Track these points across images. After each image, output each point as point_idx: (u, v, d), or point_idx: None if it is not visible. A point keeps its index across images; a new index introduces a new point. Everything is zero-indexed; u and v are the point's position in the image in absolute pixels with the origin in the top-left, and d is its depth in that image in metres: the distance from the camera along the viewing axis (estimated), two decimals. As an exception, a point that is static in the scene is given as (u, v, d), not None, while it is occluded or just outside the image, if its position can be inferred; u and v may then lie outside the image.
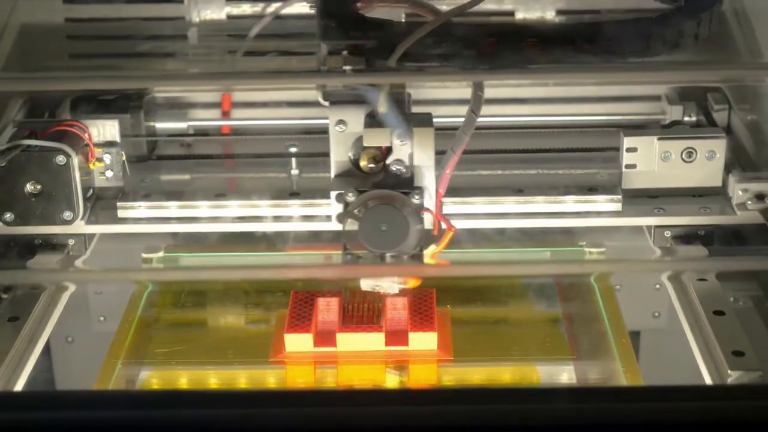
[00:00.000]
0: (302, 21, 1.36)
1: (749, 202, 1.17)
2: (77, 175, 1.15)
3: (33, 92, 1.32)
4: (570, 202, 1.18)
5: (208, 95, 1.39)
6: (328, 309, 1.11)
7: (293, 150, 1.26)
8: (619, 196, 1.18)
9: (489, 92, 1.35)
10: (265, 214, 1.18)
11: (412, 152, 1.08)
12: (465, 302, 1.19)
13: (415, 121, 1.09)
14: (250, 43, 1.31)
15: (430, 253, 1.10)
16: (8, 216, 1.15)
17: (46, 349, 1.19)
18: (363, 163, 1.09)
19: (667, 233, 1.18)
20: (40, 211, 1.15)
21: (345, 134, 1.09)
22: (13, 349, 1.05)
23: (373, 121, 1.08)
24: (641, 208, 1.18)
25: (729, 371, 0.99)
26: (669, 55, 1.18)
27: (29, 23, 1.37)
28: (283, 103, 1.36)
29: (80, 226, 1.17)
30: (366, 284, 1.08)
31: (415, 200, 1.07)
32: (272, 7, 1.36)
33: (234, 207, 1.18)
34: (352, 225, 1.07)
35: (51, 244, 1.19)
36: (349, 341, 1.09)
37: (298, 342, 1.09)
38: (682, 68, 1.24)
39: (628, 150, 1.19)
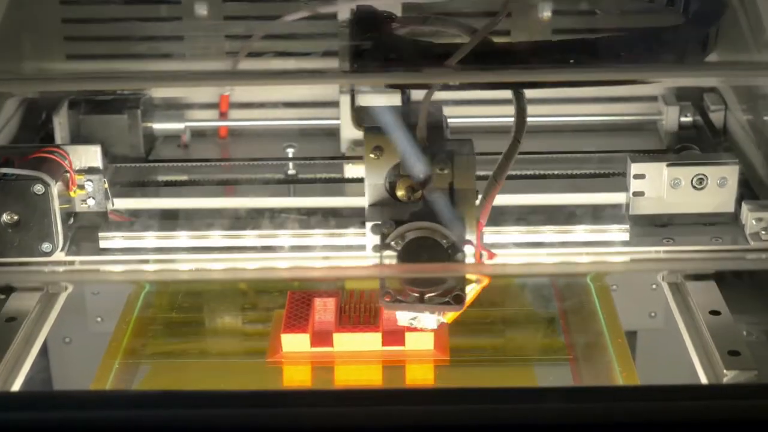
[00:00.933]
0: (299, 22, 1.36)
1: (763, 232, 1.13)
2: (56, 204, 1.10)
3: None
4: (577, 232, 1.15)
5: (206, 96, 1.39)
6: (324, 309, 1.11)
7: (290, 151, 1.26)
8: (627, 226, 1.14)
9: (487, 93, 1.36)
10: (283, 243, 1.14)
11: (453, 181, 1.00)
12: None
13: (454, 147, 1.01)
14: (250, 45, 1.31)
15: (472, 291, 1.02)
16: (-17, 247, 1.10)
17: (44, 350, 1.19)
18: (400, 193, 1.01)
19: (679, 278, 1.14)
20: (17, 243, 1.11)
21: (381, 161, 1.01)
22: (10, 350, 1.05)
23: (412, 148, 1.00)
24: (650, 238, 1.14)
25: (725, 371, 0.99)
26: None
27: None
28: (280, 104, 1.36)
29: (60, 258, 1.13)
30: (402, 318, 1.01)
31: (455, 232, 0.99)
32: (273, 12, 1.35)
33: (216, 237, 1.14)
34: (389, 258, 0.99)
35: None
36: (346, 341, 1.09)
37: (294, 342, 1.09)
38: (681, 68, 1.23)
39: (636, 177, 1.15)
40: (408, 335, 1.09)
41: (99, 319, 1.30)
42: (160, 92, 1.37)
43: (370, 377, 1.09)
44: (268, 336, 1.13)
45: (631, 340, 1.18)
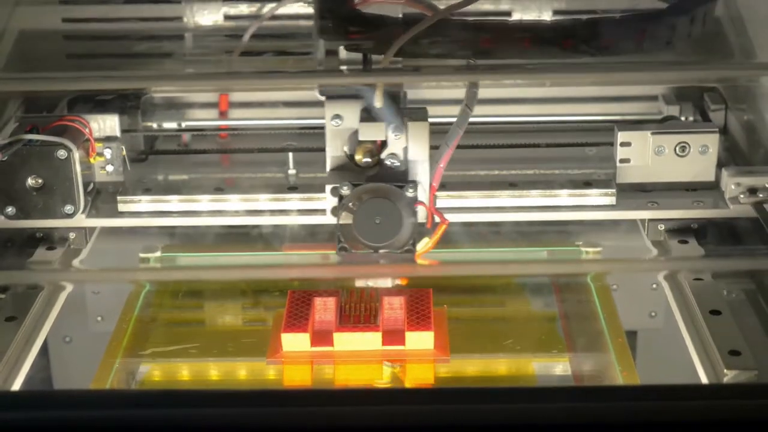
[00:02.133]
0: (298, 21, 1.36)
1: (742, 196, 1.18)
2: (78, 169, 1.16)
3: (31, 92, 1.32)
4: (564, 196, 1.19)
5: (205, 96, 1.39)
6: (325, 308, 1.11)
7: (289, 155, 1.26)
8: (613, 190, 1.19)
9: (486, 92, 1.36)
10: (264, 207, 1.19)
11: (407, 146, 1.09)
12: (462, 302, 1.19)
13: (409, 115, 1.10)
14: (246, 44, 1.31)
15: (423, 247, 1.12)
16: (10, 210, 1.16)
17: (44, 349, 1.19)
18: (358, 157, 1.10)
19: (661, 227, 1.19)
20: (41, 205, 1.16)
21: (341, 129, 1.11)
22: (10, 349, 1.05)
23: (368, 115, 1.09)
24: (635, 201, 1.19)
25: (725, 370, 0.99)
26: (663, 53, 1.18)
27: (28, 29, 1.38)
28: (280, 104, 1.36)
29: (81, 220, 1.18)
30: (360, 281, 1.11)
31: (409, 193, 1.09)
32: (267, 8, 1.36)
33: (234, 201, 1.19)
34: (346, 218, 1.08)
35: (52, 238, 1.20)
36: (346, 341, 1.09)
37: (295, 341, 1.09)
38: (679, 68, 1.24)
39: (622, 144, 1.20)
40: (408, 335, 1.09)
41: (99, 318, 1.30)
42: (159, 92, 1.37)
43: (371, 377, 1.09)
44: (269, 335, 1.12)
45: (632, 339, 1.18)
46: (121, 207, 1.19)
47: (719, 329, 1.05)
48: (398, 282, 1.12)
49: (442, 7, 1.12)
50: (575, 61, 1.15)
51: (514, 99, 1.38)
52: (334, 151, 1.12)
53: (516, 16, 1.39)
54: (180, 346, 1.16)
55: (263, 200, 1.19)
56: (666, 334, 1.20)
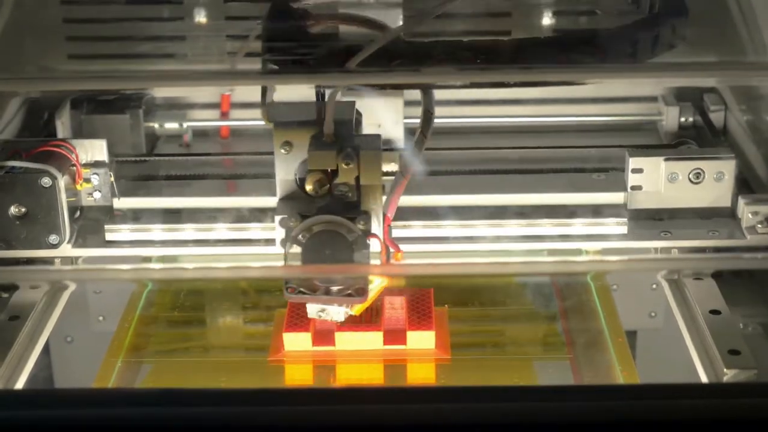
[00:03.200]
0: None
1: (759, 225, 1.14)
2: (63, 197, 1.12)
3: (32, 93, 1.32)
4: (576, 225, 1.16)
5: (207, 96, 1.39)
6: (326, 308, 1.11)
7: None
8: (625, 219, 1.16)
9: (486, 93, 1.36)
10: (254, 237, 1.17)
11: (359, 175, 1.02)
12: (462, 301, 1.19)
13: (362, 143, 1.03)
14: (250, 45, 1.31)
15: (377, 286, 1.05)
16: (-9, 240, 1.11)
17: (46, 348, 1.19)
18: (308, 187, 1.02)
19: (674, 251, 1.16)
20: (25, 235, 1.12)
21: (290, 156, 1.04)
22: (13, 348, 1.06)
23: (318, 143, 1.02)
24: (648, 232, 1.16)
25: (725, 370, 0.99)
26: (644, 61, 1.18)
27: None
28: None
29: (66, 250, 1.15)
30: (311, 310, 1.04)
31: (361, 226, 1.01)
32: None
33: (222, 230, 1.17)
34: (294, 250, 1.01)
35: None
36: (348, 340, 1.09)
37: (296, 341, 1.09)
38: (680, 69, 1.24)
39: (634, 171, 1.16)
40: (410, 334, 1.09)
41: (101, 317, 1.30)
42: (162, 92, 1.37)
43: (372, 376, 1.09)
44: (270, 335, 1.13)
45: (632, 339, 1.19)
46: (109, 236, 1.16)
47: (719, 329, 1.05)
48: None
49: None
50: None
51: (511, 100, 1.38)
52: (284, 178, 1.04)
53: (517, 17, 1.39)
54: (182, 345, 1.16)
55: (254, 229, 1.17)
56: (666, 334, 1.20)
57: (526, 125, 1.39)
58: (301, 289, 1.01)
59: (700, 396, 0.79)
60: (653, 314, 1.28)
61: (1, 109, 1.31)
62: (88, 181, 1.17)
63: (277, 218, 1.02)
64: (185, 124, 1.37)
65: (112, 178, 1.17)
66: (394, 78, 1.10)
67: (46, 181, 1.11)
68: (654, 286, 1.24)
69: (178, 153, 1.34)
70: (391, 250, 1.05)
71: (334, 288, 1.01)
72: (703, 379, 1.01)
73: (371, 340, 1.09)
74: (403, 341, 1.09)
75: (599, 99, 1.38)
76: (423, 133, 1.05)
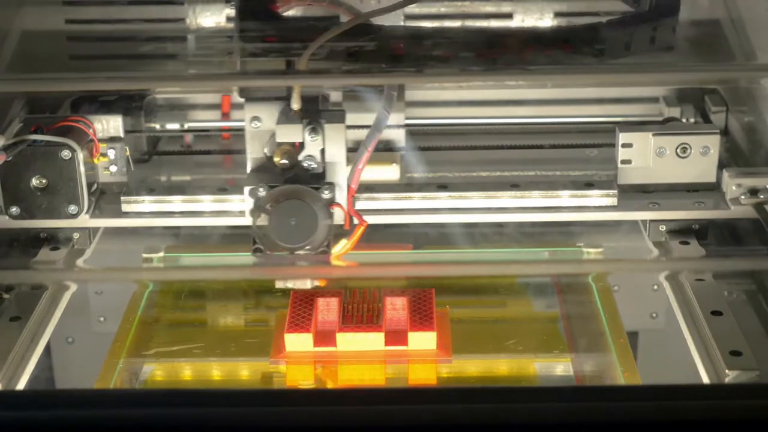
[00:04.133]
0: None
1: (743, 197, 1.17)
2: (82, 169, 1.16)
3: (34, 93, 1.32)
4: (566, 197, 1.19)
5: (208, 97, 1.39)
6: (327, 309, 1.11)
7: None
8: (615, 191, 1.19)
9: (486, 93, 1.36)
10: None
11: (324, 148, 1.10)
12: (464, 302, 1.19)
13: (326, 117, 1.11)
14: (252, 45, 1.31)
15: (341, 249, 1.12)
16: (14, 210, 1.16)
17: (48, 349, 1.19)
18: (276, 159, 1.10)
19: (662, 227, 1.19)
20: (45, 205, 1.16)
21: (260, 130, 1.11)
22: (14, 349, 1.06)
23: (286, 117, 1.10)
24: (636, 203, 1.19)
25: (726, 371, 0.99)
26: (623, 59, 1.20)
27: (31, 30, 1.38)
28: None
29: (85, 220, 1.18)
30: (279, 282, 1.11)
31: (325, 195, 1.09)
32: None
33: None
34: (263, 220, 1.09)
35: (56, 238, 1.20)
36: (349, 341, 1.09)
37: (298, 342, 1.09)
38: (681, 70, 1.24)
39: (624, 145, 1.20)
40: (411, 335, 1.09)
41: (102, 318, 1.30)
42: (162, 93, 1.37)
43: (373, 377, 1.09)
44: (272, 335, 1.13)
45: (633, 340, 1.19)
46: (125, 207, 1.19)
47: (720, 329, 1.05)
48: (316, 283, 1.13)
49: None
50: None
51: (514, 101, 1.38)
52: (253, 152, 1.12)
53: (518, 17, 1.39)
54: (183, 346, 1.16)
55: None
56: (667, 335, 1.20)
57: (527, 126, 1.39)
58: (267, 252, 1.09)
59: (702, 397, 0.79)
60: (654, 315, 1.28)
61: (5, 110, 1.31)
62: (104, 155, 1.20)
63: (247, 188, 1.10)
64: (186, 125, 1.37)
65: (128, 153, 1.21)
66: (394, 78, 1.11)
67: (65, 154, 1.14)
68: (655, 287, 1.24)
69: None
70: (355, 220, 1.11)
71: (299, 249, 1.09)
72: (705, 380, 1.01)
73: (372, 341, 1.09)
74: (405, 342, 1.09)
75: (601, 100, 1.38)
76: (385, 108, 1.11)
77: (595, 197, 1.19)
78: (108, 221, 1.20)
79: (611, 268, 1.24)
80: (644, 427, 0.75)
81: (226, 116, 1.39)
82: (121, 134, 1.21)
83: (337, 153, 1.10)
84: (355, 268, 1.11)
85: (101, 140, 1.20)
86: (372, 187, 1.18)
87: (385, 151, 1.30)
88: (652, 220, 1.19)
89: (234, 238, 1.21)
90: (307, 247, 1.09)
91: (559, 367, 1.12)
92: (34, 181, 1.15)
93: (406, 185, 1.22)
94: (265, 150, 1.12)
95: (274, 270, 1.10)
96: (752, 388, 0.90)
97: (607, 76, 1.30)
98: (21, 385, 1.04)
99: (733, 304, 1.11)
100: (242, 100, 1.13)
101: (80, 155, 1.15)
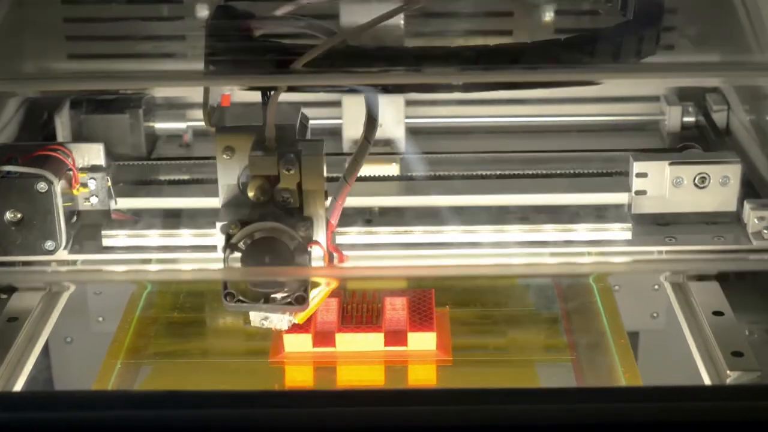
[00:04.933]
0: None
1: (765, 231, 1.13)
2: (59, 202, 1.10)
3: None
4: (580, 231, 1.15)
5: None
6: (327, 309, 1.11)
7: None
8: (629, 224, 1.14)
9: (487, 92, 1.36)
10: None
11: (300, 181, 1.00)
12: (464, 302, 1.19)
13: (303, 148, 1.00)
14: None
15: (319, 293, 1.03)
16: (-14, 245, 1.10)
17: (45, 350, 1.18)
18: (250, 193, 1.00)
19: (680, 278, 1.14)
20: (20, 241, 1.10)
21: (233, 161, 1.01)
22: (12, 350, 1.05)
23: (260, 147, 1.00)
24: (652, 237, 1.14)
25: (728, 371, 0.99)
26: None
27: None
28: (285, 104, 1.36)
29: (63, 256, 1.13)
30: (255, 318, 1.02)
31: (302, 232, 0.99)
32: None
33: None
34: (234, 259, 0.99)
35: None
36: (348, 341, 1.09)
37: (297, 342, 1.09)
38: (683, 69, 1.23)
39: (638, 175, 1.15)
40: (411, 336, 1.09)
41: (101, 318, 1.30)
42: (161, 92, 1.37)
43: (373, 378, 1.09)
44: (271, 336, 1.12)
45: (634, 340, 1.18)
46: (106, 242, 1.15)
47: (722, 330, 1.04)
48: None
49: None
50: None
51: (513, 100, 1.37)
52: (225, 185, 1.02)
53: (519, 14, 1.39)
54: (182, 347, 1.16)
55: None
56: (668, 335, 1.20)
57: (527, 125, 1.39)
58: (240, 298, 0.99)
59: (703, 398, 0.79)
60: (655, 315, 1.28)
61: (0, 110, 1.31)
62: (84, 185, 1.15)
63: (218, 224, 1.00)
64: (185, 124, 1.37)
65: (109, 183, 1.16)
66: (393, 78, 1.10)
67: (41, 186, 1.09)
68: (656, 286, 1.24)
69: (177, 155, 1.34)
70: (335, 256, 1.03)
71: (275, 296, 0.99)
72: (706, 380, 1.01)
73: (372, 341, 1.09)
74: (404, 343, 1.09)
75: (601, 99, 1.38)
76: (366, 138, 1.02)
77: (610, 231, 1.14)
78: (87, 257, 1.15)
79: (612, 269, 1.23)
80: (644, 429, 0.75)
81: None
82: (103, 162, 1.16)
83: (315, 186, 1.00)
84: (357, 270, 1.11)
85: (81, 170, 1.15)
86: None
87: (385, 150, 1.30)
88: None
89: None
90: (283, 292, 0.99)
91: (560, 368, 1.11)
92: (8, 215, 1.10)
93: (406, 210, 1.18)
94: (240, 181, 1.02)
95: (274, 270, 1.09)
96: (754, 390, 0.89)
97: (607, 75, 1.28)
98: (19, 386, 1.03)
99: (734, 302, 1.10)
100: (212, 128, 1.04)
101: (58, 187, 1.09)
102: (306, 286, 0.99)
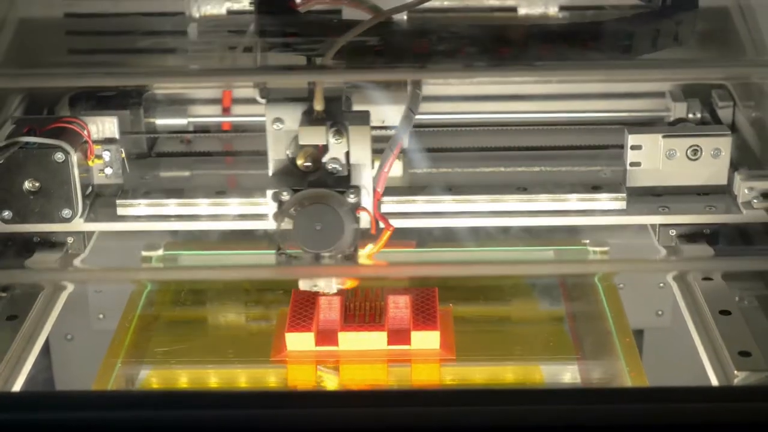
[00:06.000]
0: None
1: (755, 201, 1.15)
2: (76, 172, 1.13)
3: (32, 89, 1.31)
4: (574, 200, 1.17)
5: (209, 92, 1.38)
6: (329, 308, 1.10)
7: None
8: (624, 194, 1.17)
9: (491, 89, 1.35)
10: (266, 211, 1.15)
11: (348, 150, 1.06)
12: (468, 301, 1.18)
13: (350, 119, 1.07)
14: (249, 39, 1.30)
15: (367, 253, 1.09)
16: (6, 214, 1.13)
17: (45, 348, 1.18)
18: (299, 162, 1.07)
19: (672, 232, 1.17)
20: (38, 209, 1.13)
21: (282, 132, 1.07)
22: (11, 348, 1.05)
23: (309, 118, 1.06)
24: (645, 206, 1.17)
25: (735, 372, 0.98)
26: (651, 54, 1.17)
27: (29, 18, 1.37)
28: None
29: (79, 224, 1.15)
30: (303, 282, 1.07)
31: (351, 199, 1.06)
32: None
33: (234, 205, 1.16)
34: (287, 224, 1.05)
35: (50, 242, 1.17)
36: (351, 340, 1.08)
37: (299, 341, 1.08)
38: (687, 65, 1.23)
39: (633, 147, 1.17)
40: (414, 334, 1.08)
41: (101, 316, 1.29)
42: (162, 88, 1.36)
43: (376, 377, 1.08)
44: (273, 334, 1.12)
45: (640, 340, 1.18)
46: (120, 211, 1.16)
47: (729, 329, 1.04)
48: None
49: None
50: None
51: (517, 96, 1.37)
52: (276, 155, 1.08)
53: (522, 12, 1.38)
54: (183, 345, 1.15)
55: (265, 203, 1.13)
56: (675, 335, 1.19)
57: (531, 121, 1.38)
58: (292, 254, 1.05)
59: (711, 399, 0.78)
60: (660, 313, 1.27)
61: (1, 106, 1.30)
62: (99, 157, 1.18)
63: (269, 192, 1.06)
64: (186, 120, 1.36)
65: (123, 155, 1.18)
66: (397, 74, 1.10)
67: (59, 156, 1.12)
68: (661, 285, 1.24)
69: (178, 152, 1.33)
70: (381, 224, 1.08)
71: (325, 254, 1.05)
72: (713, 381, 1.00)
73: (375, 340, 1.08)
74: (408, 341, 1.09)
75: (607, 95, 1.37)
76: (410, 108, 1.08)
77: (604, 201, 1.17)
78: (103, 225, 1.17)
79: (617, 268, 1.22)
80: (650, 430, 0.74)
81: (227, 111, 1.38)
82: (117, 135, 1.18)
83: (362, 156, 1.07)
84: (358, 269, 1.10)
85: (96, 141, 1.18)
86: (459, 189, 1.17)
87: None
88: (661, 225, 1.16)
89: (234, 235, 1.20)
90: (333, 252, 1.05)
91: (565, 368, 1.11)
92: (27, 185, 1.12)
93: (409, 187, 1.19)
94: (288, 152, 1.08)
95: (275, 270, 1.08)
96: (763, 391, 0.89)
97: (612, 72, 1.28)
98: (19, 385, 1.03)
99: (742, 303, 1.10)
100: (262, 100, 1.09)
101: (74, 157, 1.12)
102: (355, 246, 1.06)
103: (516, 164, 1.24)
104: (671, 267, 1.18)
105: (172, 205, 1.17)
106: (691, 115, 1.34)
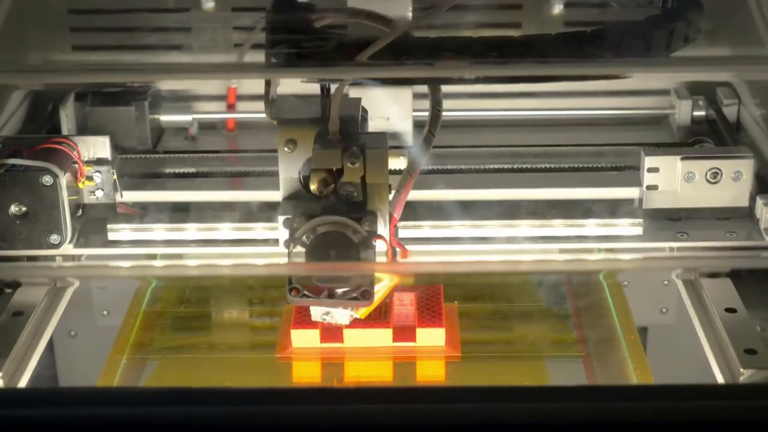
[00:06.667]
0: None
1: None
2: (65, 195, 1.09)
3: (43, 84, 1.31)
4: (590, 226, 1.14)
5: (214, 88, 1.38)
6: (335, 304, 1.10)
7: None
8: (640, 220, 1.13)
9: (496, 86, 1.35)
10: (258, 237, 1.14)
11: (364, 175, 0.99)
12: (473, 298, 1.18)
13: (368, 141, 0.99)
14: (256, 36, 1.30)
15: (380, 289, 1.02)
16: (-9, 239, 1.09)
17: (50, 344, 1.18)
18: (312, 186, 0.99)
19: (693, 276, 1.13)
20: (25, 234, 1.10)
21: (294, 154, 1.01)
22: (17, 344, 1.05)
23: (323, 141, 0.99)
24: (663, 233, 1.13)
25: (741, 369, 0.98)
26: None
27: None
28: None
29: (68, 250, 1.13)
30: (315, 313, 1.02)
31: (366, 227, 0.98)
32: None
33: (226, 230, 1.14)
34: (298, 252, 0.99)
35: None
36: (357, 337, 1.08)
37: (304, 338, 1.08)
38: (692, 64, 1.22)
39: (650, 170, 1.14)
40: (419, 331, 1.08)
41: (106, 312, 1.29)
42: (167, 84, 1.36)
43: (381, 374, 1.08)
44: (278, 331, 1.12)
45: (645, 337, 1.17)
46: (112, 236, 1.14)
47: (735, 327, 1.04)
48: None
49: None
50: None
51: (522, 93, 1.37)
52: (287, 178, 1.01)
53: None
54: (188, 341, 1.15)
55: (258, 229, 1.14)
56: (680, 332, 1.19)
57: (537, 118, 1.38)
58: (305, 293, 0.98)
59: (717, 397, 0.78)
60: (665, 310, 1.27)
61: (2, 102, 1.29)
62: (90, 179, 1.14)
63: (281, 218, 0.99)
64: (191, 117, 1.36)
65: (115, 176, 1.15)
66: (405, 72, 1.09)
67: (47, 180, 1.08)
68: (666, 282, 1.23)
69: (183, 149, 1.32)
70: (398, 250, 1.03)
71: (339, 290, 0.98)
72: (719, 378, 1.00)
73: (380, 337, 1.08)
74: (413, 338, 1.08)
75: (612, 92, 1.37)
76: (431, 130, 1.02)
77: (621, 226, 1.13)
78: (93, 251, 1.14)
79: (623, 266, 1.22)
80: (655, 428, 0.74)
81: (231, 107, 1.38)
82: (108, 155, 1.15)
83: (379, 180, 0.99)
84: (363, 266, 1.10)
85: (87, 162, 1.14)
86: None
87: (392, 144, 1.28)
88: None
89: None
90: (347, 288, 0.98)
91: (570, 364, 1.11)
92: (13, 209, 1.09)
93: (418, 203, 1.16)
94: (300, 175, 1.01)
95: (277, 267, 1.08)
96: (768, 388, 0.89)
97: (617, 70, 1.27)
98: (24, 381, 1.03)
99: (746, 299, 1.09)
100: (273, 121, 1.03)
101: (63, 180, 1.09)
102: (372, 280, 0.99)
103: (522, 161, 1.23)
104: (676, 265, 1.17)
105: (162, 231, 1.14)
106: (696, 113, 1.34)
